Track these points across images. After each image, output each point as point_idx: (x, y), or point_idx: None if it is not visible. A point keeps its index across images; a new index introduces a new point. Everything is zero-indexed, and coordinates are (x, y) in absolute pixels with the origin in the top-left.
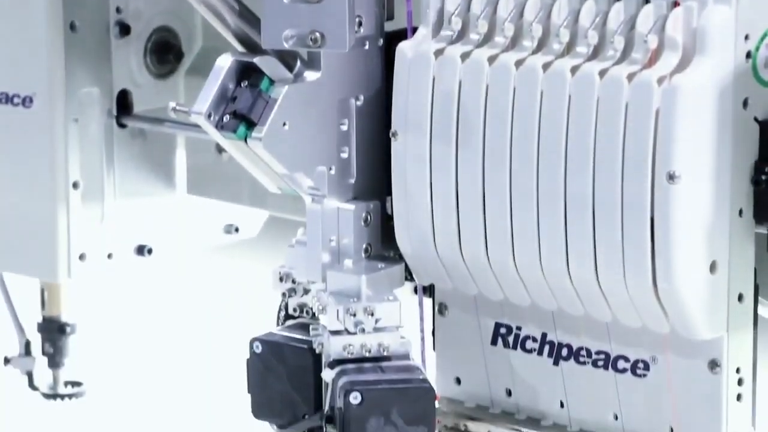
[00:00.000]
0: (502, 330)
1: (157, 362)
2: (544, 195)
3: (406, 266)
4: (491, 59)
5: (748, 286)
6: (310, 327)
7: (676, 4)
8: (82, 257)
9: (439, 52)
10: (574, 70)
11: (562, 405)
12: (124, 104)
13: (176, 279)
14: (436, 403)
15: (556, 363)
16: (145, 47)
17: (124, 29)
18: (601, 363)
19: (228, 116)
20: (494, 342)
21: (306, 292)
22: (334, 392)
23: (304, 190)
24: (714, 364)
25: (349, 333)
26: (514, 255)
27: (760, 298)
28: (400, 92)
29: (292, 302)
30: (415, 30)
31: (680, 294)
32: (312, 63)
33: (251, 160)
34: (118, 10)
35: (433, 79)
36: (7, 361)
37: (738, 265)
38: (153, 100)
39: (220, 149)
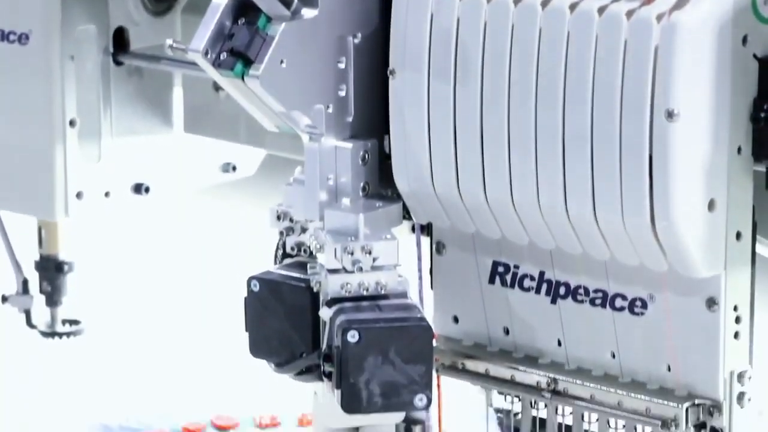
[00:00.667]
0: (500, 268)
1: (155, 300)
2: (542, 133)
3: (404, 205)
4: None
5: (746, 224)
6: (308, 265)
7: None
8: (79, 195)
9: None
10: (572, 7)
11: (559, 343)
12: (120, 42)
13: (173, 218)
14: (434, 341)
15: (553, 301)
16: None
17: None
18: (598, 301)
19: (225, 54)
20: (492, 281)
21: (303, 230)
22: (331, 331)
23: (301, 128)
24: (712, 302)
25: (346, 271)
26: (512, 193)
27: (758, 236)
28: (398, 30)
29: (290, 241)
30: None
31: (678, 232)
32: (309, 0)
33: (248, 98)
34: None
35: (431, 17)
36: (4, 299)
37: (736, 203)
38: (150, 37)
39: (217, 87)
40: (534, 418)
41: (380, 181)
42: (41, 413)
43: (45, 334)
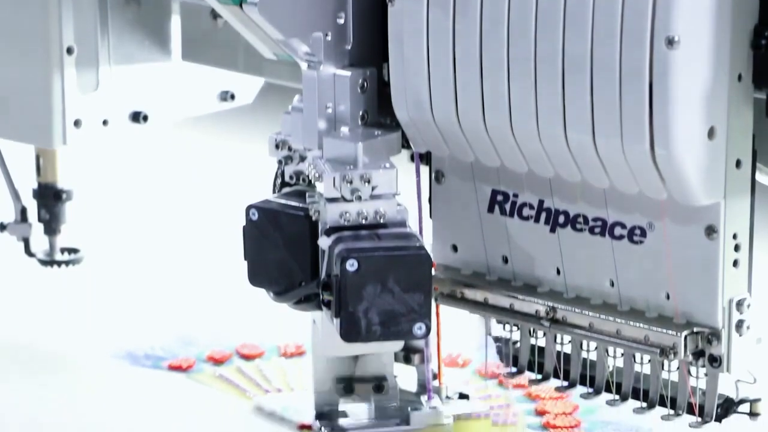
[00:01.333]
0: (499, 197)
1: (153, 229)
2: (541, 60)
3: (403, 134)
4: None
5: (746, 151)
6: (307, 194)
7: None
8: (77, 123)
9: None
10: None
11: (558, 272)
12: None
13: (171, 146)
14: (433, 270)
15: (552, 230)
16: None
17: None
18: (597, 230)
19: None
20: (491, 209)
21: (302, 159)
22: (330, 260)
23: (300, 56)
24: (711, 230)
25: (345, 200)
26: (511, 121)
27: (757, 164)
28: None
29: (289, 169)
30: None
31: (678, 160)
32: None
33: (247, 25)
34: None
35: None
36: (2, 227)
37: (736, 130)
38: None
39: (215, 15)
40: (533, 346)
41: (379, 110)
42: (64, 344)
43: (44, 263)
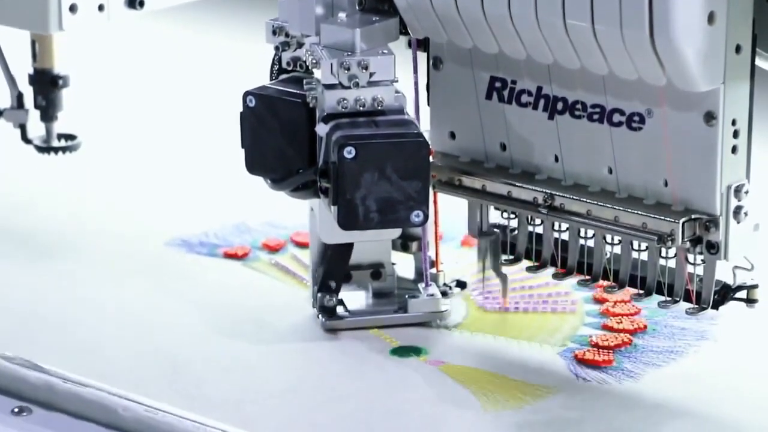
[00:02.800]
0: (497, 84)
1: (150, 116)
2: None
3: (401, 19)
4: None
5: (746, 37)
6: (304, 81)
7: None
8: (72, 9)
9: None
10: None
11: (556, 159)
12: None
13: (168, 31)
14: (431, 157)
15: (551, 117)
16: None
17: None
18: (596, 117)
19: None
20: (489, 96)
21: (299, 45)
22: (327, 147)
23: None
24: (710, 117)
25: (343, 87)
26: (509, 5)
27: (757, 49)
28: None
29: (286, 56)
30: None
31: (677, 46)
32: None
33: None
34: None
35: None
36: None
37: (736, 15)
38: None
39: None
40: (530, 233)
41: None
42: (115, 232)
43: (40, 149)
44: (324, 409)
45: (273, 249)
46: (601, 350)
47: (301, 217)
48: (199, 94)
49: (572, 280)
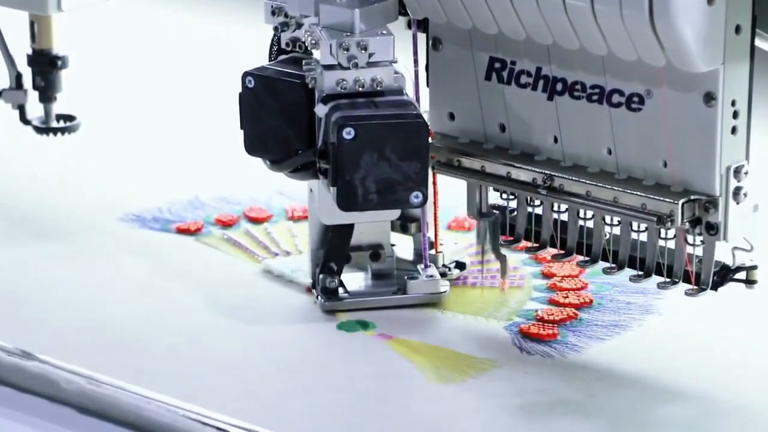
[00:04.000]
0: (497, 65)
1: (150, 97)
2: None
3: (400, 0)
4: None
5: (746, 17)
6: (303, 62)
7: None
8: None
9: None
10: None
11: (556, 140)
12: None
13: (167, 10)
14: (430, 138)
15: (550, 98)
16: None
17: None
18: (595, 97)
19: None
20: (488, 77)
21: (299, 26)
22: (327, 128)
23: None
24: (709, 97)
25: (342, 68)
26: None
27: (757, 29)
28: None
29: (285, 36)
30: None
31: (677, 26)
32: None
33: None
34: None
35: None
36: None
37: None
38: None
39: None
40: (529, 214)
41: None
42: (68, 209)
43: (39, 130)
44: (269, 382)
45: (226, 224)
46: (545, 324)
47: (254, 192)
48: (197, 74)
49: (521, 255)
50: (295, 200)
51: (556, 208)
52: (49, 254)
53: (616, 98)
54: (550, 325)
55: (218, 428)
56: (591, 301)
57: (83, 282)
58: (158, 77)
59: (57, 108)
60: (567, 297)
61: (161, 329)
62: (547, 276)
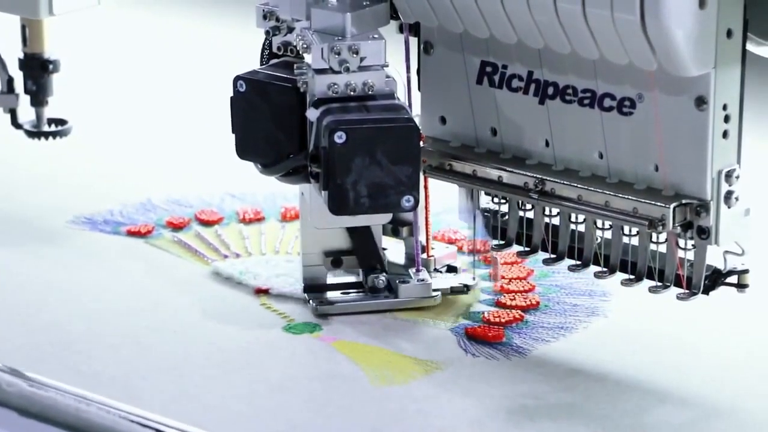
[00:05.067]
0: (488, 69)
1: (141, 100)
2: None
3: (392, 4)
4: None
5: (737, 21)
6: (295, 66)
7: None
8: None
9: None
10: None
11: (547, 144)
12: None
13: (158, 15)
14: (422, 142)
15: (542, 102)
16: None
17: None
18: (587, 101)
19: None
20: (480, 81)
21: (290, 30)
22: (318, 131)
23: None
24: (701, 101)
25: (333, 72)
26: None
27: (748, 33)
28: None
29: (276, 40)
30: None
31: (669, 30)
32: None
33: None
34: None
35: None
36: None
37: (727, 0)
38: None
39: None
40: (521, 218)
41: None
42: (21, 210)
43: (30, 134)
44: (212, 384)
45: (177, 227)
46: (491, 326)
47: (206, 195)
48: (188, 78)
49: (468, 258)
50: (246, 202)
51: (547, 211)
52: (1, 257)
53: (607, 102)
54: (496, 326)
55: (158, 430)
56: (538, 303)
57: (29, 284)
58: (149, 81)
59: (48, 112)
60: (514, 299)
61: (105, 331)
62: (495, 278)
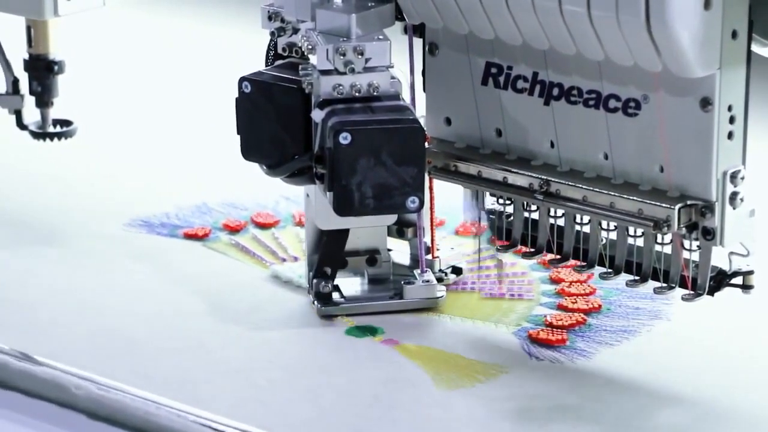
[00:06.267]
0: (493, 70)
1: (146, 102)
2: None
3: (397, 5)
4: None
5: (742, 22)
6: (300, 67)
7: None
8: None
9: None
10: None
11: (552, 145)
12: None
13: (163, 15)
14: (427, 143)
15: (547, 103)
16: None
17: None
18: (592, 102)
19: None
20: (485, 82)
21: (295, 31)
22: (323, 132)
23: None
24: (706, 102)
25: (338, 73)
26: None
27: (753, 34)
28: None
29: (281, 41)
30: None
31: (674, 31)
32: None
33: None
34: None
35: None
36: None
37: (732, 1)
38: None
39: None
40: (526, 219)
41: None
42: (74, 216)
43: (36, 135)
44: (277, 388)
45: (233, 229)
46: (554, 330)
47: (262, 198)
48: (194, 79)
49: (529, 261)
50: (301, 205)
51: (552, 213)
52: (56, 260)
53: (612, 103)
54: (560, 330)
55: None
56: (600, 306)
57: (91, 287)
58: (155, 82)
59: (54, 113)
60: (575, 302)
61: (168, 334)
62: (555, 281)
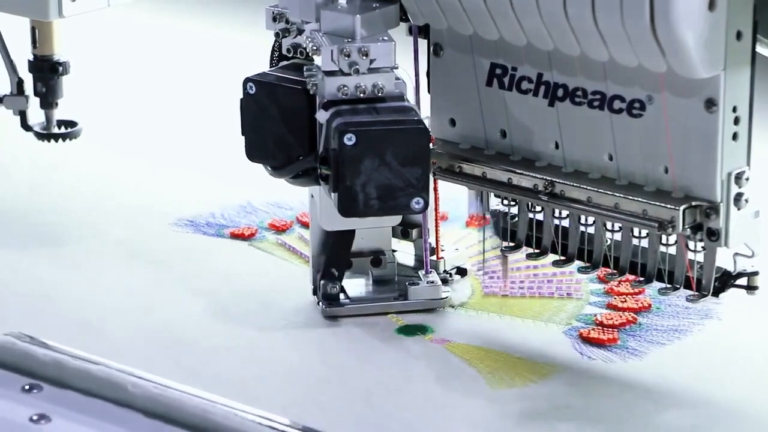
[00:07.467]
0: (498, 71)
1: (151, 103)
2: None
3: (401, 6)
4: None
5: (747, 23)
6: (304, 68)
7: None
8: None
9: None
10: None
11: (557, 146)
12: None
13: (168, 17)
14: (431, 144)
15: (551, 104)
16: None
17: None
18: (596, 103)
19: None
20: (489, 83)
21: (300, 32)
22: (328, 133)
23: None
24: (710, 103)
25: (343, 74)
26: None
27: (758, 35)
28: None
29: (286, 42)
30: None
31: (678, 32)
32: None
33: None
34: None
35: None
36: None
37: (737, 1)
38: None
39: None
40: (531, 220)
41: None
42: (121, 210)
43: (40, 136)
44: (329, 387)
45: (280, 229)
46: (605, 329)
47: (306, 197)
48: (199, 80)
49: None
50: None
51: (557, 214)
52: (105, 259)
53: (617, 104)
54: (610, 329)
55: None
56: (649, 305)
57: (139, 288)
58: (159, 83)
59: (58, 114)
60: (625, 301)
61: (219, 334)
62: (603, 280)
